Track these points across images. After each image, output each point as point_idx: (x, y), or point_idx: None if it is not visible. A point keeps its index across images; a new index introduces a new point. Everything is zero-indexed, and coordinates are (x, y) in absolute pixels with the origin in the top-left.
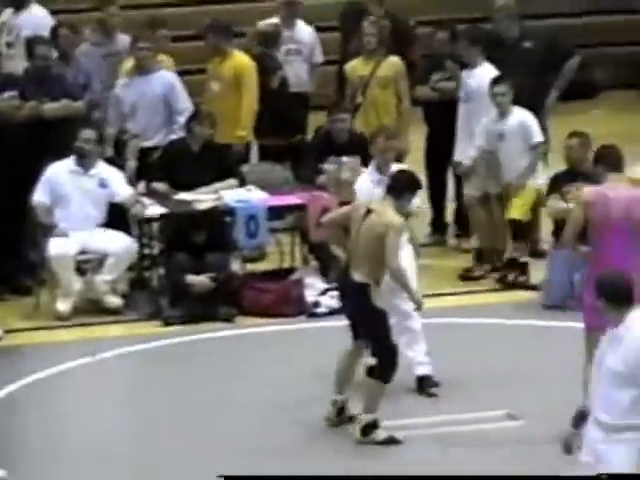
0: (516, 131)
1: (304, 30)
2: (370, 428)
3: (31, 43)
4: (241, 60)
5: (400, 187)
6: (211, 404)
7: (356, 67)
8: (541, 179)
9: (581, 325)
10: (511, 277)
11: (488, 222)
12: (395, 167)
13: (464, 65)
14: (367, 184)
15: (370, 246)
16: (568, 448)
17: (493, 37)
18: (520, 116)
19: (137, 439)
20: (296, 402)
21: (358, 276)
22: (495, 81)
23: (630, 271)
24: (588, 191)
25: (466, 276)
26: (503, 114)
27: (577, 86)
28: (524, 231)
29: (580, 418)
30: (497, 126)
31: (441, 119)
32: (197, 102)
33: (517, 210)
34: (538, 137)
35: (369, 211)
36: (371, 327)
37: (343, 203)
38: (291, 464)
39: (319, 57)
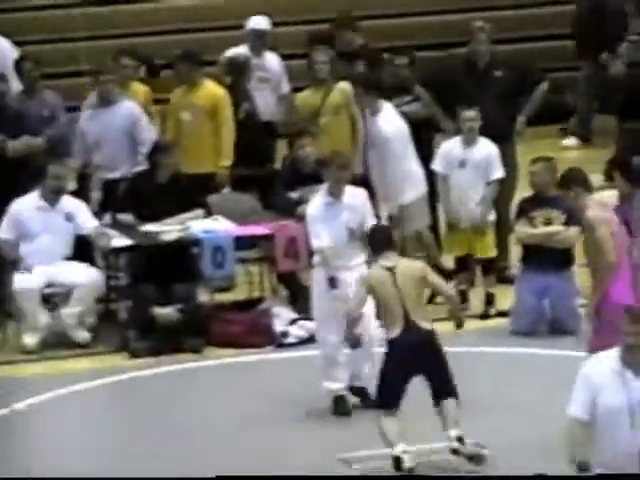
0: (480, 162)
1: (272, 59)
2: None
3: None
4: (215, 89)
5: (376, 245)
6: (179, 436)
7: (307, 97)
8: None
9: (550, 352)
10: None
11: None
12: (350, 191)
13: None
14: (319, 207)
15: (420, 291)
16: None
17: (465, 62)
18: (486, 148)
19: (104, 472)
20: (265, 433)
21: (425, 324)
22: (464, 106)
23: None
24: (604, 218)
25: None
26: (469, 141)
27: (547, 109)
28: (492, 265)
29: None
30: (460, 152)
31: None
32: (159, 133)
33: (489, 249)
34: (499, 173)
35: (390, 269)
36: (447, 368)
37: None
38: None
39: (286, 87)
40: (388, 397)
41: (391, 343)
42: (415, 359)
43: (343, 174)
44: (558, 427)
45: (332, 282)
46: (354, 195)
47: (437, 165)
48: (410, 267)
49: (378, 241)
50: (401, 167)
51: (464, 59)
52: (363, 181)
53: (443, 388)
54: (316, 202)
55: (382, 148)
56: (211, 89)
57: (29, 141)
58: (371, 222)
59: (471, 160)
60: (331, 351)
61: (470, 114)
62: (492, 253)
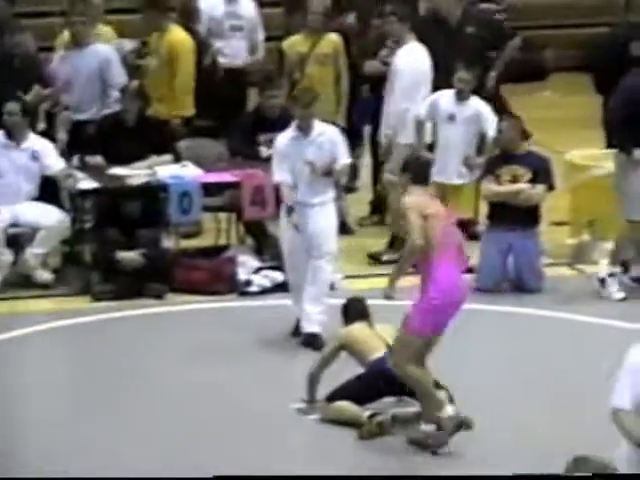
0: (470, 118)
1: (247, 6)
2: None
3: None
4: (177, 36)
5: (350, 317)
6: (136, 381)
7: (295, 44)
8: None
9: (511, 309)
10: None
11: None
12: (320, 127)
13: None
14: (284, 142)
15: None
16: None
17: (435, 17)
18: (478, 105)
19: (61, 413)
20: (221, 380)
21: None
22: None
23: None
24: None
25: (375, 259)
26: (460, 98)
27: (527, 68)
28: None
29: None
30: (450, 107)
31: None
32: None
33: (465, 209)
34: (492, 131)
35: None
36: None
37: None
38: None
39: (261, 34)
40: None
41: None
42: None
43: (308, 111)
44: (510, 376)
45: (289, 210)
46: (323, 132)
47: (421, 108)
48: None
49: (352, 312)
50: (404, 104)
51: (432, 16)
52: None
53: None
54: (284, 136)
55: (393, 79)
56: (174, 35)
57: (39, 91)
58: (343, 160)
59: (460, 115)
60: (299, 280)
61: (465, 76)
62: (467, 214)
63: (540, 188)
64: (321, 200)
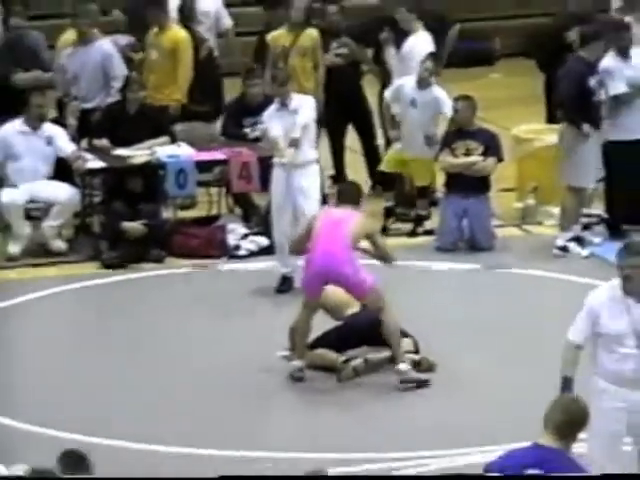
0: (429, 103)
1: (206, 1)
2: None
3: None
4: (178, 33)
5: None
6: (140, 335)
7: (279, 37)
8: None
9: (467, 266)
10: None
11: None
12: (298, 99)
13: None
14: (271, 112)
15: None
16: None
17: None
18: (436, 91)
19: (76, 365)
20: (215, 331)
21: None
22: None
23: None
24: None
25: None
26: (421, 85)
27: (477, 54)
28: (425, 192)
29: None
30: (412, 92)
31: (340, 83)
32: (130, 69)
33: (425, 178)
34: (449, 109)
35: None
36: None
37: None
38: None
39: (227, 22)
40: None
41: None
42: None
43: (283, 89)
44: (466, 324)
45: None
46: (300, 101)
47: (387, 92)
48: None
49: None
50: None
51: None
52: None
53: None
54: (270, 108)
55: (402, 62)
56: (175, 32)
57: (37, 75)
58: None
59: (421, 100)
60: (283, 240)
61: (428, 65)
62: (427, 182)
63: (491, 160)
64: (304, 160)
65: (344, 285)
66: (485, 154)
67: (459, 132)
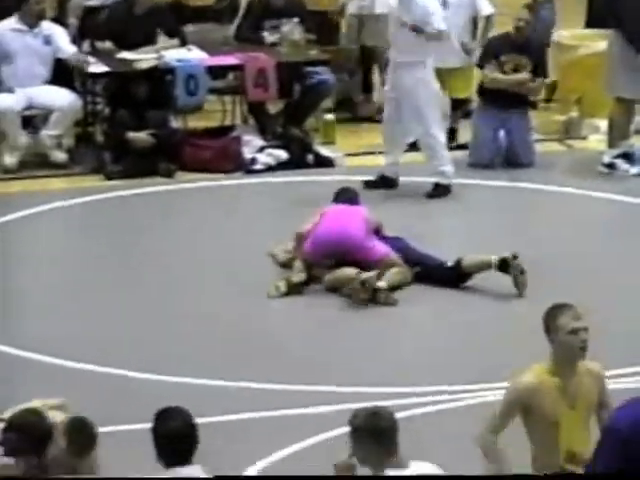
0: (464, 2)
1: None
2: None
3: None
4: None
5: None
6: (146, 254)
7: None
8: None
9: (504, 184)
10: None
11: None
12: None
13: None
14: None
15: None
16: None
17: None
18: None
19: (72, 283)
20: (228, 252)
21: None
22: None
23: None
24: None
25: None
26: None
27: None
28: (462, 104)
29: None
30: None
31: None
32: None
33: (462, 90)
34: (488, 9)
35: None
36: None
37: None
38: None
39: None
40: None
41: None
42: None
43: None
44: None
45: None
46: None
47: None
48: None
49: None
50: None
51: None
52: None
53: None
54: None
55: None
56: None
57: None
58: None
59: (453, 0)
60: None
61: None
62: (464, 94)
63: (540, 81)
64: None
65: (355, 250)
66: (534, 72)
67: (507, 42)
